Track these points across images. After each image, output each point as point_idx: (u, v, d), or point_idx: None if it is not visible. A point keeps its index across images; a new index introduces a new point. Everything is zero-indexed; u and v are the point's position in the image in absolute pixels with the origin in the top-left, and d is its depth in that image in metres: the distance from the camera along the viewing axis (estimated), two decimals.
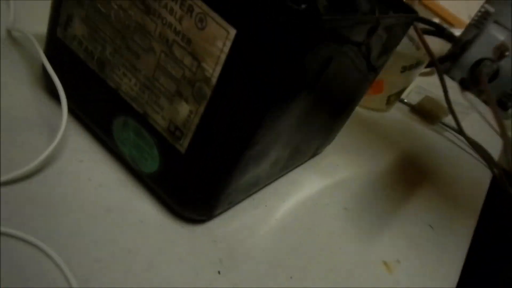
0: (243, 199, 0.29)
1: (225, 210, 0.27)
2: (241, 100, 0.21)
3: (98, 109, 0.27)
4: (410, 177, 0.44)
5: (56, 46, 0.28)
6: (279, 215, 0.30)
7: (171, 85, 0.22)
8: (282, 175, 0.33)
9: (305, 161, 0.36)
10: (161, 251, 0.24)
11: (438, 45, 0.53)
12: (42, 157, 0.24)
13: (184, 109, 0.22)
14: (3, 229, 0.21)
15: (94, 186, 0.26)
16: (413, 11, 0.32)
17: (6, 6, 0.36)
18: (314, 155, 0.37)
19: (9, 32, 0.34)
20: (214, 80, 0.21)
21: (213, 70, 0.20)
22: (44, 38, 0.29)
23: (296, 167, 0.35)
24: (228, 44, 0.19)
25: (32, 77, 0.31)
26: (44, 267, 0.21)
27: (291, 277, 0.26)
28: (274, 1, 0.18)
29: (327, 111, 0.30)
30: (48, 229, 0.22)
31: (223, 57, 0.20)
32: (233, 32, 0.19)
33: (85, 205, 0.24)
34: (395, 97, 0.53)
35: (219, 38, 0.19)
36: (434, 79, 0.52)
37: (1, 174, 0.23)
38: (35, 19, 0.36)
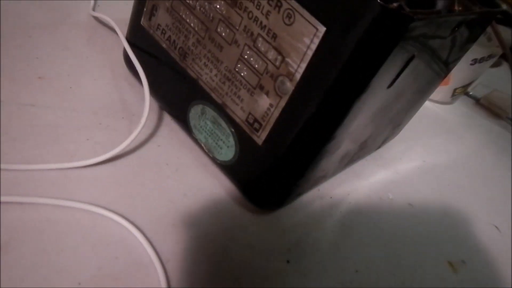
0: (310, 190, 0.30)
1: (292, 200, 0.28)
2: (325, 96, 0.21)
3: (177, 96, 0.28)
4: (474, 173, 0.42)
5: (139, 34, 0.29)
6: (344, 208, 0.31)
7: (252, 78, 0.23)
8: (347, 167, 0.34)
9: (370, 154, 0.36)
10: (234, 237, 0.25)
11: (506, 35, 0.50)
12: (126, 143, 0.25)
13: (264, 102, 0.23)
14: (93, 208, 0.23)
15: (171, 171, 0.27)
16: (496, 4, 0.30)
17: None
18: (378, 147, 0.37)
19: (90, 17, 0.36)
20: (298, 76, 0.21)
21: (298, 66, 0.21)
22: (125, 23, 0.30)
23: (361, 159, 0.35)
24: (316, 41, 0.19)
25: (114, 62, 0.33)
26: (130, 245, 0.22)
27: (356, 271, 0.27)
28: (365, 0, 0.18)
29: (399, 106, 0.30)
30: (132, 210, 0.24)
31: (309, 53, 0.20)
32: (322, 29, 0.19)
33: (163, 189, 0.26)
34: (462, 90, 0.51)
35: (307, 35, 0.20)
36: (502, 71, 0.49)
37: (89, 157, 0.25)
38: (115, 4, 0.38)
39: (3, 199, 0.21)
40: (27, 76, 0.29)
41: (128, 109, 0.30)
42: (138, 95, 0.30)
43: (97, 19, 0.36)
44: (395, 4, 0.18)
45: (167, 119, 0.30)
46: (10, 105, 0.27)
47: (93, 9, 0.37)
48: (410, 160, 0.39)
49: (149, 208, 0.24)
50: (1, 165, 0.23)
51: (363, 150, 0.32)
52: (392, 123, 0.33)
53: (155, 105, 0.30)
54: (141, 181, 0.25)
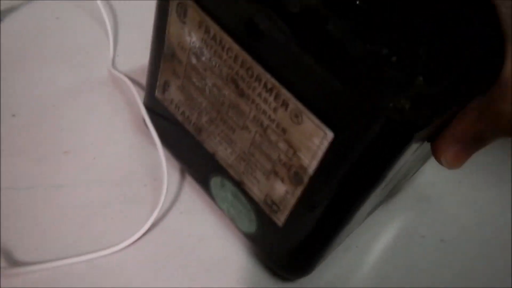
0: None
1: (319, 264, 0.28)
2: (338, 190, 0.20)
3: (197, 164, 0.28)
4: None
5: (154, 103, 0.29)
6: (372, 257, 0.30)
7: (266, 163, 0.23)
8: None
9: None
10: None
11: None
12: (148, 225, 0.26)
13: (280, 187, 0.23)
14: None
15: (193, 242, 0.27)
16: None
17: (107, 43, 0.37)
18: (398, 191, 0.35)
19: (110, 73, 0.36)
20: (310, 171, 0.21)
21: (310, 162, 0.20)
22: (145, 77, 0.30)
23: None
24: (325, 143, 0.19)
25: (135, 121, 0.33)
26: None
27: None
28: (374, 105, 0.17)
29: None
30: None
31: (320, 153, 0.20)
32: (330, 134, 0.19)
33: (185, 267, 0.26)
34: None
35: (316, 136, 0.19)
36: None
37: (115, 241, 0.26)
38: (136, 52, 0.37)
39: None
40: (53, 153, 0.30)
41: (150, 174, 0.30)
42: (159, 157, 0.31)
43: (115, 74, 0.36)
44: (407, 106, 0.17)
45: (189, 182, 0.30)
46: (39, 189, 0.28)
47: (113, 64, 0.37)
48: (442, 185, 0.38)
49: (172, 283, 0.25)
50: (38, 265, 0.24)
51: (391, 193, 0.31)
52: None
53: (177, 165, 0.31)
54: (164, 262, 0.26)
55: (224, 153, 0.25)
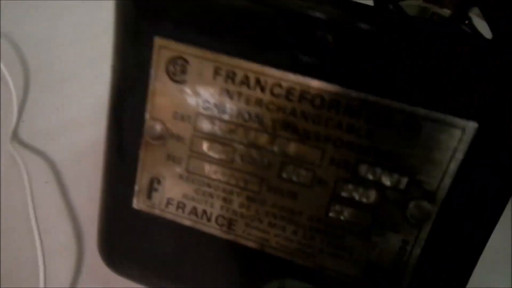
0: None
1: None
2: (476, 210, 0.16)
3: (222, 282, 0.20)
4: None
5: (128, 222, 0.20)
6: None
7: (362, 217, 0.17)
8: None
9: None
10: None
11: None
12: None
13: (392, 241, 0.17)
14: None
15: None
16: None
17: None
18: None
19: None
20: (442, 193, 0.16)
21: (440, 181, 0.16)
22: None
23: None
24: (466, 141, 0.15)
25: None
26: None
27: None
28: None
29: None
30: None
31: (456, 161, 0.15)
32: (472, 126, 0.15)
33: None
34: None
35: (449, 138, 0.15)
36: None
37: None
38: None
39: None
40: None
41: None
42: None
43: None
44: None
45: None
46: None
47: (14, 139, 0.30)
48: None
49: None
50: None
51: None
52: None
53: None
54: None
55: (281, 237, 0.18)
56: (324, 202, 0.17)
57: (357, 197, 0.17)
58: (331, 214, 0.17)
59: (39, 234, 0.24)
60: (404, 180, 0.16)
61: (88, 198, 0.28)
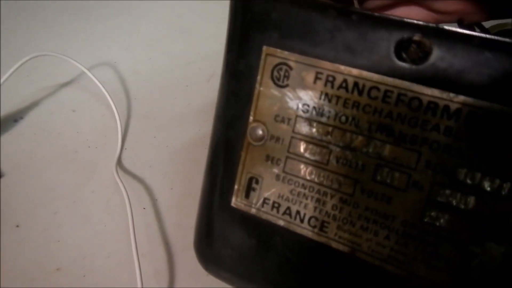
0: None
1: None
2: None
3: (314, 284, 0.20)
4: None
5: (225, 221, 0.21)
6: None
7: (458, 225, 0.17)
8: None
9: None
10: None
11: None
12: None
13: (492, 253, 0.16)
14: None
15: None
16: None
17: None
18: None
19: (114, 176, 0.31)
20: None
21: None
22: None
23: None
24: None
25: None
26: None
27: None
28: None
29: None
30: None
31: None
32: None
33: None
34: None
35: None
36: None
37: None
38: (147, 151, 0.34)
39: None
40: (44, 271, 0.26)
41: None
42: None
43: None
44: None
45: None
46: None
47: (118, 166, 0.32)
48: None
49: None
50: None
51: None
52: None
53: None
54: None
55: (373, 241, 0.18)
56: (419, 207, 0.17)
57: (454, 202, 0.16)
58: (426, 220, 0.17)
59: (138, 258, 0.24)
60: (507, 186, 0.16)
61: (180, 226, 0.29)
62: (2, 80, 0.34)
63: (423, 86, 0.16)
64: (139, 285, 0.24)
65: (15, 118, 0.37)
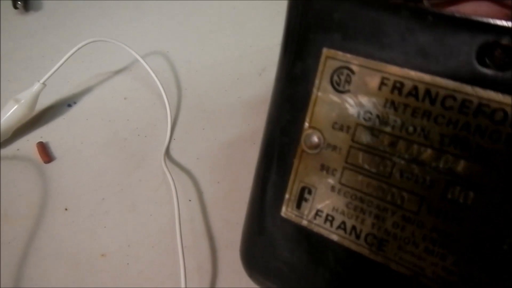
0: None
1: None
2: None
3: None
4: None
5: (273, 229, 0.20)
6: None
7: None
8: None
9: None
10: None
11: None
12: None
13: None
14: None
15: None
16: None
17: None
18: None
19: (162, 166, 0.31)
20: None
21: None
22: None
23: None
24: None
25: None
26: None
27: None
28: None
29: None
30: None
31: None
32: None
33: None
34: None
35: None
36: None
37: None
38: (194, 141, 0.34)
39: None
40: (90, 256, 0.27)
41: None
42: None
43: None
44: None
45: None
46: None
47: (166, 156, 0.32)
48: None
49: None
50: None
51: None
52: None
53: None
54: None
55: (438, 266, 0.16)
56: (496, 232, 0.15)
57: None
58: (505, 247, 0.15)
59: (183, 251, 0.24)
60: None
61: (225, 221, 0.29)
62: (58, 65, 0.34)
63: (509, 96, 0.14)
64: (182, 278, 0.23)
65: (68, 103, 0.37)
